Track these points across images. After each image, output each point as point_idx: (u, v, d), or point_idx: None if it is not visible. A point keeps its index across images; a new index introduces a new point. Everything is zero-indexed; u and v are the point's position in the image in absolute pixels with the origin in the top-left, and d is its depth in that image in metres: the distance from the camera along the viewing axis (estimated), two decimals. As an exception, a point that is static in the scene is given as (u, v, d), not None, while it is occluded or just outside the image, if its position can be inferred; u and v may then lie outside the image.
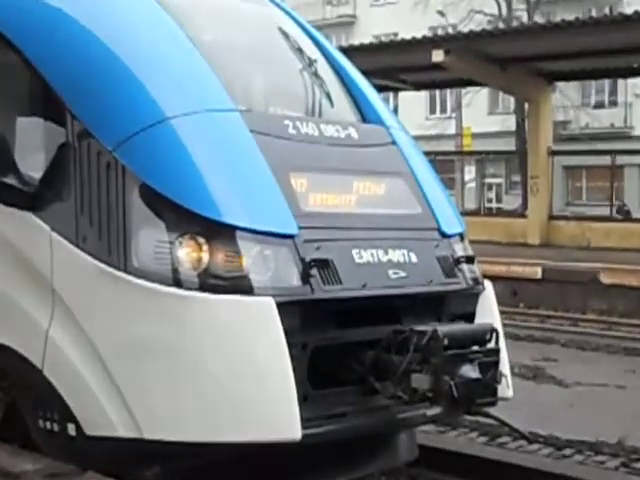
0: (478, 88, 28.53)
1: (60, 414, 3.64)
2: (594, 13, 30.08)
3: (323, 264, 3.48)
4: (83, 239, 3.56)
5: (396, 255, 3.84)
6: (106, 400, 3.43)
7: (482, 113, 37.04)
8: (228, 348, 3.32)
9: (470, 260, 4.21)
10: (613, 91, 35.27)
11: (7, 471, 3.93)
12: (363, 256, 3.70)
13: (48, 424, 3.72)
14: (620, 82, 32.60)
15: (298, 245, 3.49)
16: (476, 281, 4.23)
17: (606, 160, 23.93)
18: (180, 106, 3.64)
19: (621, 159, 25.62)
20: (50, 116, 3.85)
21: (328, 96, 4.58)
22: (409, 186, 4.29)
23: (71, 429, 3.58)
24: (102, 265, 3.46)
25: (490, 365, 3.56)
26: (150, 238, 3.46)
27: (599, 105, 36.28)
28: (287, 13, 5.08)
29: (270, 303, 3.22)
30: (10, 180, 3.74)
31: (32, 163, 3.83)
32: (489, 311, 4.19)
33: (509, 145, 30.33)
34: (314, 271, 3.43)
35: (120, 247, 3.48)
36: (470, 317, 4.11)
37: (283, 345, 3.20)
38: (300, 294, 3.42)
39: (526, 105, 23.90)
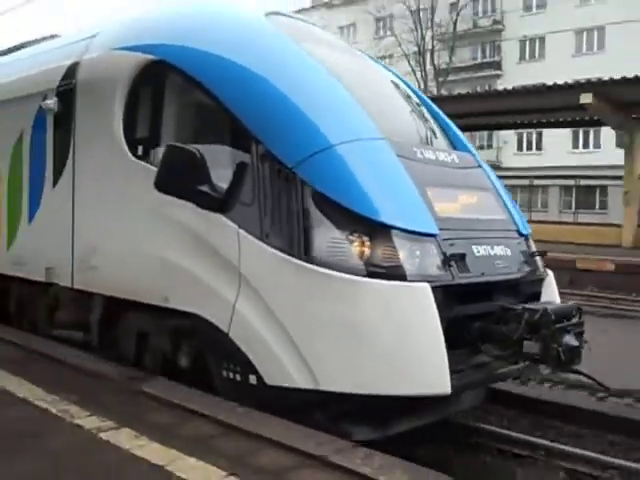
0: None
1: (242, 367, 4.68)
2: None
3: (458, 257, 4.50)
4: (266, 235, 4.53)
5: (498, 250, 4.98)
6: (287, 359, 4.39)
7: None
8: (393, 320, 4.21)
9: (540, 254, 5.53)
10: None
11: (98, 373, 5.59)
12: (480, 251, 4.78)
13: (231, 374, 4.80)
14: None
15: (439, 242, 4.50)
16: (543, 269, 5.54)
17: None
18: (343, 135, 4.66)
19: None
20: (238, 142, 4.89)
21: (431, 129, 6.11)
22: (495, 198, 5.63)
23: (252, 379, 4.61)
24: (284, 255, 4.42)
25: (580, 335, 4.69)
26: (325, 235, 4.41)
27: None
28: (386, 68, 6.90)
29: (427, 288, 4.18)
30: (206, 189, 4.73)
31: (223, 176, 4.77)
32: (552, 292, 5.50)
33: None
34: (452, 262, 4.45)
35: (300, 241, 4.41)
36: (537, 296, 5.34)
37: (437, 319, 4.14)
38: (444, 280, 4.38)
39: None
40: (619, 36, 37.95)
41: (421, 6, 44.84)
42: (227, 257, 4.70)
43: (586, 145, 43.21)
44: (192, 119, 5.60)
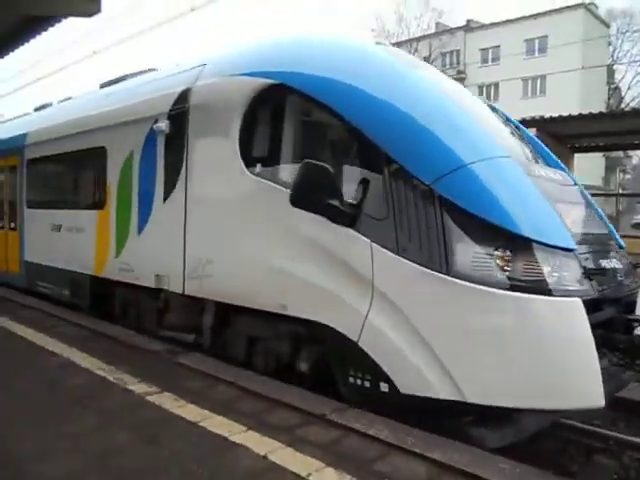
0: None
1: (372, 374, 3.92)
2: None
3: (596, 271, 3.81)
4: (403, 249, 3.76)
5: (615, 262, 4.26)
6: (427, 370, 3.62)
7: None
8: (547, 334, 3.42)
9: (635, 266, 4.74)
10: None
11: (146, 348, 5.59)
12: (605, 264, 4.08)
13: (358, 381, 4.03)
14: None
15: (578, 257, 3.74)
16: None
17: None
18: (477, 154, 3.89)
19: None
20: (368, 160, 4.13)
21: (530, 149, 5.27)
22: (595, 213, 4.85)
23: (383, 387, 3.86)
24: (424, 269, 3.64)
25: None
26: (467, 249, 3.62)
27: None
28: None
29: (580, 302, 3.43)
30: (338, 204, 3.99)
31: (354, 192, 4.06)
32: None
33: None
34: (591, 276, 3.71)
35: (441, 255, 3.62)
36: (633, 306, 4.39)
37: (590, 333, 3.39)
38: (588, 294, 3.60)
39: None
40: (557, 83, 37.99)
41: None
42: (358, 269, 3.94)
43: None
44: (316, 138, 4.76)
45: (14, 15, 8.24)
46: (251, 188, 4.78)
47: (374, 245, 3.87)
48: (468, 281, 3.51)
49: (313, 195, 4.08)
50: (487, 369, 3.50)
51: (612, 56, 45.74)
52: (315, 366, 4.52)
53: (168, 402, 4.03)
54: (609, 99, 43.89)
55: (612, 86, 45.73)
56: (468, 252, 3.61)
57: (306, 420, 3.70)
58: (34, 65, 21.48)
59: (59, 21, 8.62)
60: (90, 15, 8.20)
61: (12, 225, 9.78)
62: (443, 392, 3.58)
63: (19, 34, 9.06)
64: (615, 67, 45.93)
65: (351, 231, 3.99)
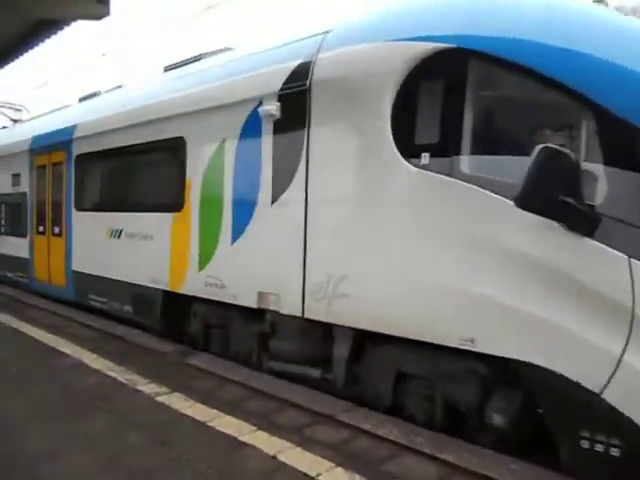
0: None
1: (623, 439, 2.92)
2: None
3: None
4: None
5: None
6: None
7: None
8: None
9: None
10: None
11: (156, 349, 5.52)
12: None
13: (598, 446, 3.00)
14: None
15: None
16: None
17: None
18: None
19: None
20: (621, 150, 3.06)
21: None
22: None
23: (614, 451, 2.95)
24: None
25: None
26: None
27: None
28: None
29: None
30: (581, 205, 2.95)
31: (598, 191, 3.05)
32: None
33: None
34: None
35: None
36: None
37: None
38: None
39: None
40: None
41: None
42: (608, 294, 2.92)
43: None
44: (523, 117, 3.54)
45: (24, 19, 8.33)
46: (414, 185, 3.67)
47: (634, 262, 2.85)
48: None
49: (551, 193, 2.99)
50: None
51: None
52: (515, 419, 3.46)
53: (178, 402, 4.05)
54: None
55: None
56: None
57: (315, 420, 3.71)
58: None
59: (68, 24, 8.70)
60: (99, 18, 8.26)
61: (56, 230, 8.48)
62: None
63: (28, 38, 9.15)
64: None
65: (596, 243, 2.94)
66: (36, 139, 9.14)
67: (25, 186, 9.45)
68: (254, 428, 3.57)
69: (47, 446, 3.31)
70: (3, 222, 10.55)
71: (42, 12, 7.96)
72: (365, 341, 4.18)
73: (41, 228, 8.93)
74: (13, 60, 10.28)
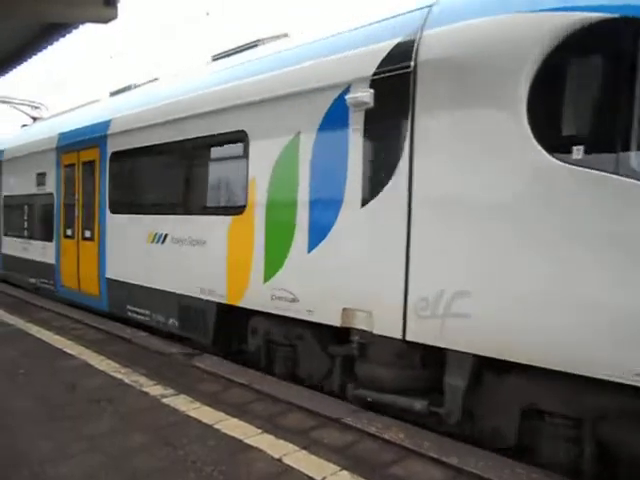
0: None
1: None
2: None
3: None
4: None
5: None
6: None
7: None
8: None
9: None
10: None
11: (162, 351, 5.58)
12: None
13: None
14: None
15: None
16: None
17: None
18: None
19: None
20: None
21: None
22: None
23: None
24: None
25: None
26: None
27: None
28: None
29: None
30: None
31: None
32: None
33: None
34: None
35: None
36: None
37: None
38: None
39: None
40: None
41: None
42: None
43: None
44: None
45: (33, 23, 8.41)
46: (563, 185, 3.06)
47: None
48: None
49: None
50: None
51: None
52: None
53: (184, 404, 4.06)
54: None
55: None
56: None
57: (321, 423, 3.70)
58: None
59: (76, 27, 8.76)
60: (107, 21, 8.31)
61: (87, 234, 7.80)
62: None
63: (38, 41, 9.23)
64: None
65: None
66: (63, 136, 8.54)
67: (51, 186, 8.83)
68: (260, 431, 3.57)
69: (52, 446, 3.33)
70: (26, 225, 9.86)
71: (51, 16, 8.03)
72: (483, 370, 3.56)
73: (69, 231, 8.31)
74: (25, 61, 10.37)
